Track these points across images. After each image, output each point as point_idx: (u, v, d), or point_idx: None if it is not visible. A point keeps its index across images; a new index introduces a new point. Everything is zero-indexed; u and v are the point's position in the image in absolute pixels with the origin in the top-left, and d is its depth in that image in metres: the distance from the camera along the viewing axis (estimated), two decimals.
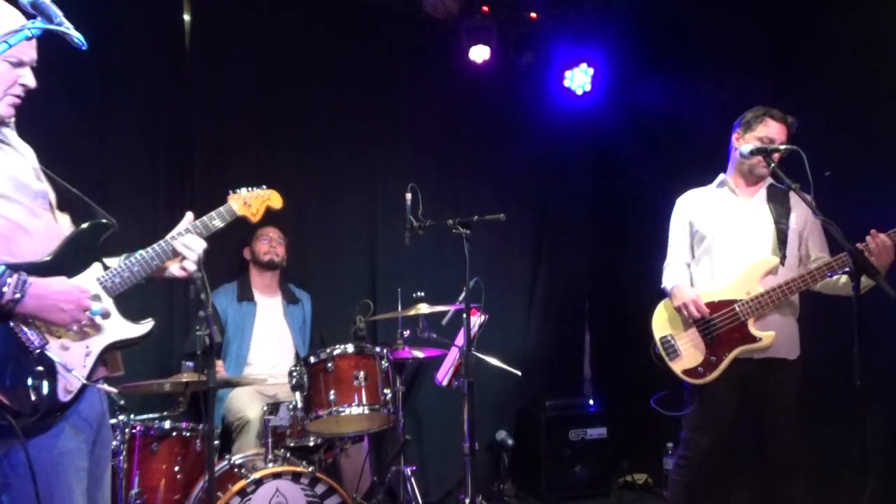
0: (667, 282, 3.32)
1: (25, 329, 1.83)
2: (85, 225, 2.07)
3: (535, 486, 4.82)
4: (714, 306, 3.10)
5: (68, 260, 1.97)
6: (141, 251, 2.13)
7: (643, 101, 4.94)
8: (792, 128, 3.13)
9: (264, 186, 2.58)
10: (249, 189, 2.53)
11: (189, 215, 2.29)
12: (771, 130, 3.09)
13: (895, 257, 2.81)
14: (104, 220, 2.08)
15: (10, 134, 2.01)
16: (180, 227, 2.24)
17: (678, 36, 4.75)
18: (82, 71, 3.80)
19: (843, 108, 3.73)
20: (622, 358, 5.23)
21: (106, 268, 2.06)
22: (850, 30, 3.80)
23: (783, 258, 3.11)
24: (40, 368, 1.82)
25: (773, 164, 2.94)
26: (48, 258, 1.92)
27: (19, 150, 2.01)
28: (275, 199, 2.60)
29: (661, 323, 3.23)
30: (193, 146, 4.27)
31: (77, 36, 1.72)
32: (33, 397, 1.80)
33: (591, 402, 5.01)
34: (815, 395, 3.67)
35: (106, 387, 1.99)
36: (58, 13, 1.66)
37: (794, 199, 3.16)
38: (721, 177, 3.33)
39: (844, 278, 3.00)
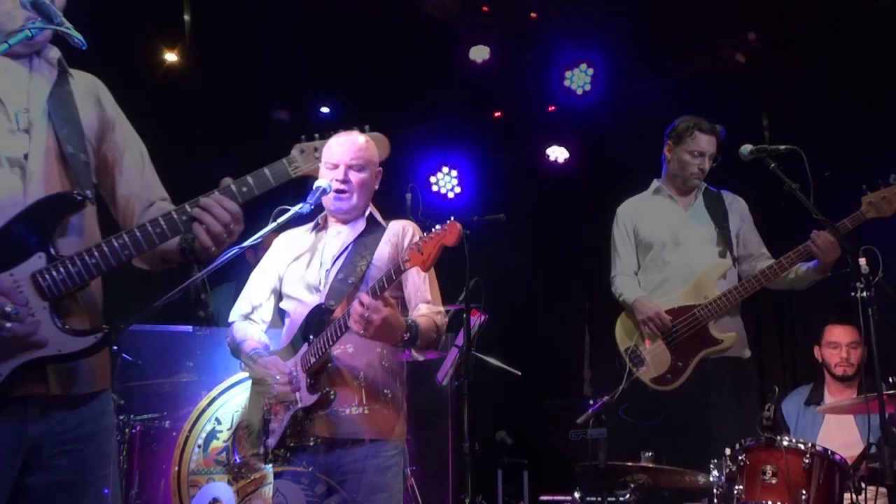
0: (624, 294, 3.35)
1: None
2: (38, 201, 1.56)
3: (534, 486, 4.81)
4: (674, 313, 3.15)
5: (3, 246, 1.52)
6: (113, 238, 1.62)
7: (643, 101, 4.93)
8: (720, 136, 3.21)
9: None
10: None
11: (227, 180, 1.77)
12: (700, 143, 3.18)
13: (840, 253, 2.82)
14: (69, 194, 1.61)
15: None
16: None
17: (678, 36, 4.75)
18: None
19: (844, 106, 3.73)
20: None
21: (52, 259, 1.55)
22: (851, 27, 3.79)
23: (734, 260, 3.18)
24: None
25: (773, 165, 2.86)
26: None
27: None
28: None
29: (624, 334, 3.31)
30: (193, 147, 4.27)
31: (77, 36, 1.71)
32: None
33: (591, 402, 4.99)
34: None
35: None
36: (58, 13, 1.64)
37: (729, 200, 3.26)
38: (655, 183, 3.40)
39: (794, 273, 3.04)
